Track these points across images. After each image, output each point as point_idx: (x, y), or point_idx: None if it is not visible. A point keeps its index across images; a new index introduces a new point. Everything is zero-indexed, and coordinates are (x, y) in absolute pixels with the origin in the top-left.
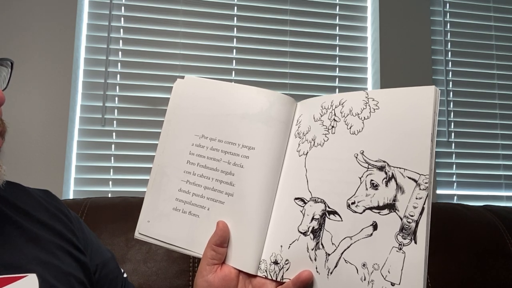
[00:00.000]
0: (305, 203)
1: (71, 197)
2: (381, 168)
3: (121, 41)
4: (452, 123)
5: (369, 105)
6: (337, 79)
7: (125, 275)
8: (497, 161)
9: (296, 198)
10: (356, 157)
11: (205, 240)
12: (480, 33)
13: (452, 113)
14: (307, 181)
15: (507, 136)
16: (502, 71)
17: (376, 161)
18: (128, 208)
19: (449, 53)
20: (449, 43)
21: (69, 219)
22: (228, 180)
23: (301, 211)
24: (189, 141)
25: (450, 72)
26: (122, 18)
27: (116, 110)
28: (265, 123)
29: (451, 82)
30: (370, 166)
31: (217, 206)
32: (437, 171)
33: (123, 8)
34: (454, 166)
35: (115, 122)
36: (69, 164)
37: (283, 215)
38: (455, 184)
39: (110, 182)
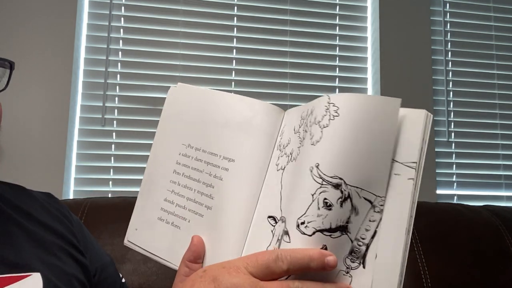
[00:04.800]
0: (276, 222)
1: (71, 197)
2: (336, 186)
3: (121, 41)
4: (452, 123)
5: (329, 111)
6: (337, 79)
7: (123, 280)
8: (497, 161)
9: (269, 217)
10: (311, 171)
11: (183, 253)
12: (480, 33)
13: (452, 113)
14: (281, 198)
15: (507, 136)
16: (502, 71)
17: (331, 177)
18: (128, 208)
19: (449, 53)
20: (449, 43)
21: (70, 222)
22: (208, 192)
23: (271, 231)
24: (176, 150)
25: (450, 72)
26: (122, 18)
27: (116, 110)
28: (246, 132)
29: (451, 82)
30: (324, 182)
31: (197, 218)
32: (437, 171)
33: (123, 8)
34: (454, 166)
35: (115, 122)
36: (69, 164)
37: (257, 233)
38: (455, 184)
39: (110, 182)
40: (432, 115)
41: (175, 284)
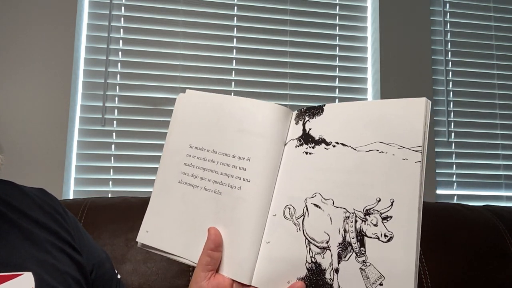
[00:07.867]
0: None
1: (71, 197)
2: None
3: (121, 41)
4: (452, 123)
5: None
6: (337, 79)
7: (118, 276)
8: (497, 161)
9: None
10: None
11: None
12: (480, 33)
13: (452, 113)
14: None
15: (507, 136)
16: (502, 71)
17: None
18: (128, 208)
19: (449, 53)
20: (449, 43)
21: (64, 219)
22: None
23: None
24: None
25: (450, 72)
26: (122, 18)
27: (116, 110)
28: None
29: (451, 82)
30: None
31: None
32: (437, 171)
33: (123, 8)
34: (454, 166)
35: (115, 122)
36: (69, 164)
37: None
38: (455, 184)
39: (110, 182)
40: (431, 101)
41: (197, 272)
